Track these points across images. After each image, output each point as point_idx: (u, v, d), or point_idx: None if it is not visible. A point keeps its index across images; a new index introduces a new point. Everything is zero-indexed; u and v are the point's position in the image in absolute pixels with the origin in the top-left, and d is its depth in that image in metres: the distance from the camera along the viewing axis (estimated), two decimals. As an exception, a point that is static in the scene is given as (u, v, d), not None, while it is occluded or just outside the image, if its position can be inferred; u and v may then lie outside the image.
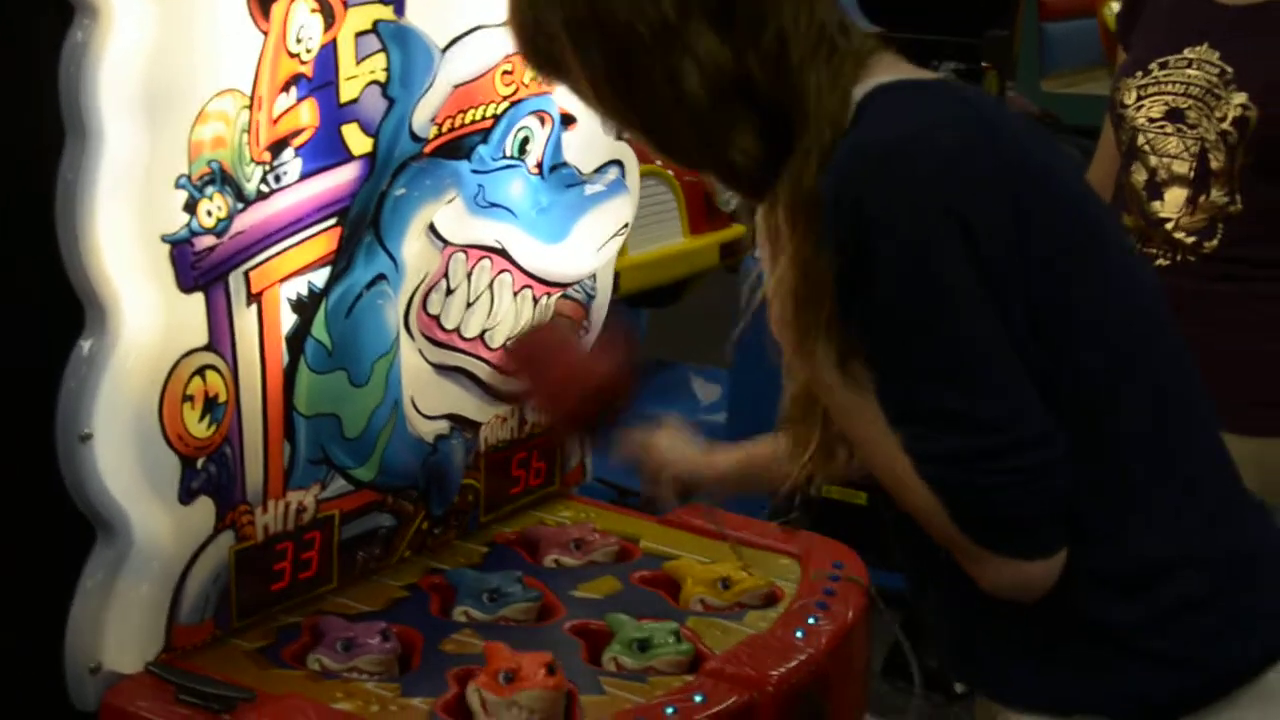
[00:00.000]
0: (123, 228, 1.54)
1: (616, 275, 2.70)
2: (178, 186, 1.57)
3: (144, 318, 1.57)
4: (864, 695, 1.96)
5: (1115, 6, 4.81)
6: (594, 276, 2.21)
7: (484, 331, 2.05)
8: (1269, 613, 1.29)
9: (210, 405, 1.66)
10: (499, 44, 1.94)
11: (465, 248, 1.98)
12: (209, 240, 1.62)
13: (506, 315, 2.07)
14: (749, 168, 1.28)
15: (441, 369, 2.00)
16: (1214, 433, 1.34)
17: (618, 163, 2.19)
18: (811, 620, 1.80)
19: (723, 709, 1.63)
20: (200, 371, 1.65)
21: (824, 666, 1.75)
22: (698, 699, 1.63)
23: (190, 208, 1.59)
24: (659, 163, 3.87)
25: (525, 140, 2.02)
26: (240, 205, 1.65)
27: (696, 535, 2.08)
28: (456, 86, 1.89)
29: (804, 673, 1.71)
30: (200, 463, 1.67)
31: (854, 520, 2.10)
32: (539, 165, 2.05)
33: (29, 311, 1.61)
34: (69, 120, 1.49)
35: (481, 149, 1.96)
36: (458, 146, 1.92)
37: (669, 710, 1.61)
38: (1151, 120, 2.07)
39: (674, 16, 1.23)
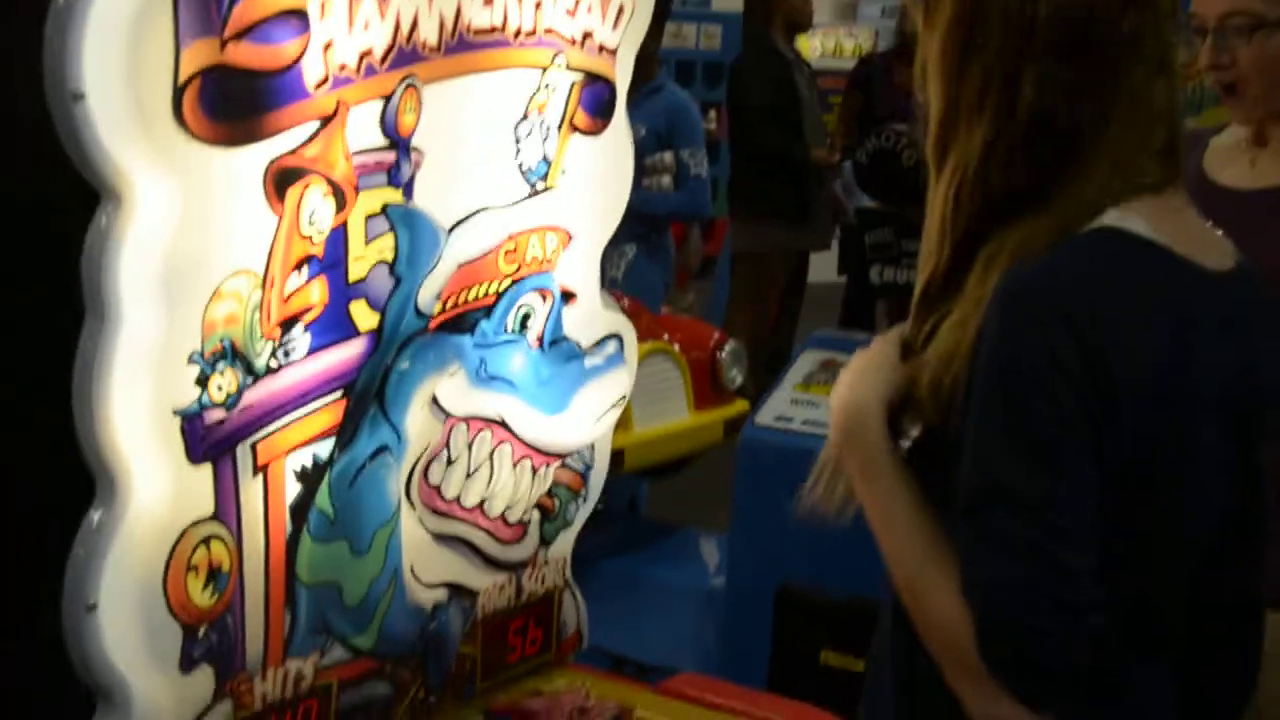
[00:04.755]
0: (136, 402, 1.58)
1: (621, 452, 2.76)
2: (190, 362, 1.63)
3: (153, 489, 1.62)
4: None
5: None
6: (592, 447, 2.26)
7: (483, 500, 2.09)
8: None
9: (214, 574, 1.70)
10: (502, 225, 2.02)
11: (467, 419, 2.03)
12: (219, 414, 1.67)
13: (505, 484, 2.12)
14: (995, 198, 1.30)
15: (441, 538, 2.04)
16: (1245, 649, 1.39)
17: (616, 336, 2.25)
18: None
19: None
20: (205, 541, 1.69)
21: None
22: None
23: (202, 382, 1.65)
24: (667, 338, 3.96)
25: (526, 316, 2.09)
26: (250, 379, 1.71)
27: (691, 705, 2.10)
28: (461, 265, 1.97)
29: None
30: (202, 631, 1.70)
31: (852, 689, 2.12)
32: (540, 339, 2.11)
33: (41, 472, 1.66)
34: (89, 300, 1.55)
35: (484, 324, 2.03)
36: (461, 322, 1.99)
37: None
38: None
39: (1036, 41, 1.26)
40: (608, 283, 2.30)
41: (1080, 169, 1.28)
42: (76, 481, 1.59)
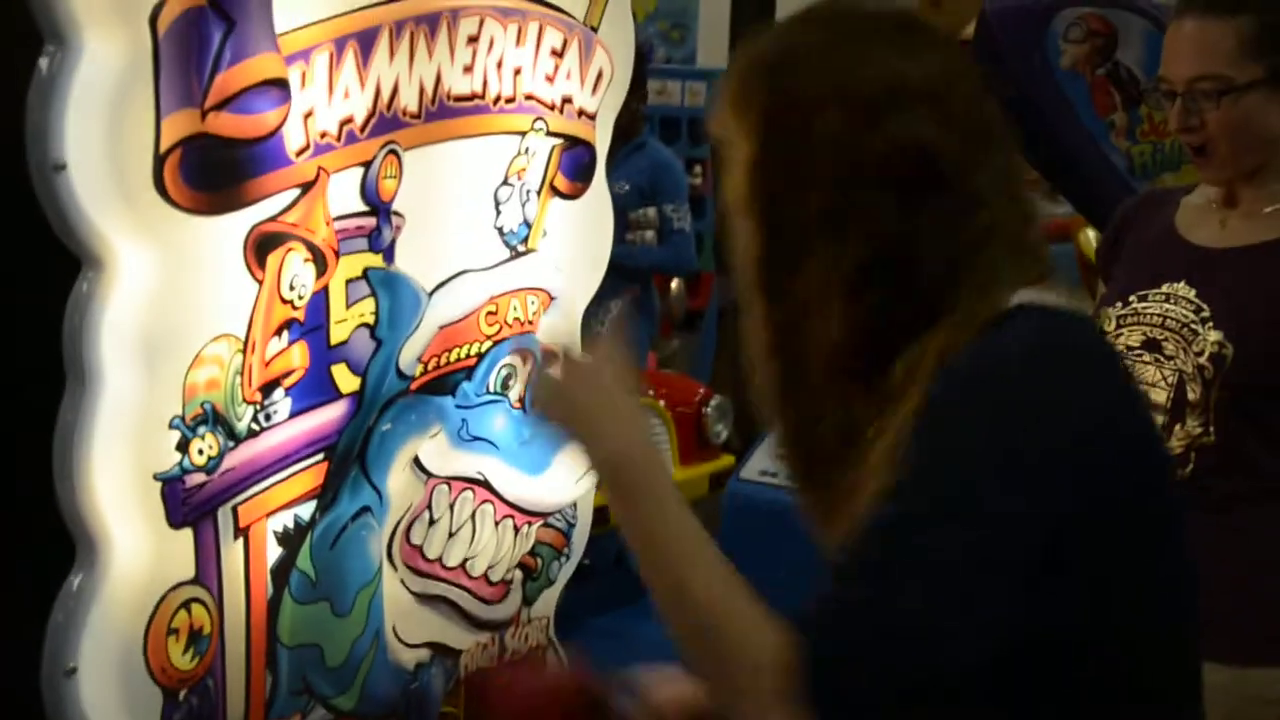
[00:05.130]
0: (116, 466, 1.60)
1: (606, 508, 2.76)
2: (171, 427, 1.64)
3: (133, 553, 1.63)
4: None
5: (1090, 233, 4.97)
6: (574, 506, 2.27)
7: (465, 560, 2.10)
8: None
9: (195, 637, 1.71)
10: (483, 287, 2.04)
11: (449, 479, 2.05)
12: (199, 478, 1.69)
13: (488, 544, 2.13)
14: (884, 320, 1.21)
15: (423, 598, 2.05)
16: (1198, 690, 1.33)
17: (598, 396, 2.27)
18: None
19: None
20: (186, 604, 1.69)
21: None
22: None
23: (183, 447, 1.66)
24: (652, 393, 3.97)
25: (508, 376, 2.11)
26: (231, 443, 1.72)
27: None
28: (442, 327, 1.99)
29: None
30: (182, 695, 1.70)
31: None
32: (521, 400, 2.13)
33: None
34: (70, 365, 1.56)
35: (465, 385, 2.04)
36: (443, 383, 2.01)
37: None
38: (1130, 349, 2.14)
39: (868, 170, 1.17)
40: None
41: (977, 259, 1.21)
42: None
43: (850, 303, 1.20)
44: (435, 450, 2.02)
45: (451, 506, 2.06)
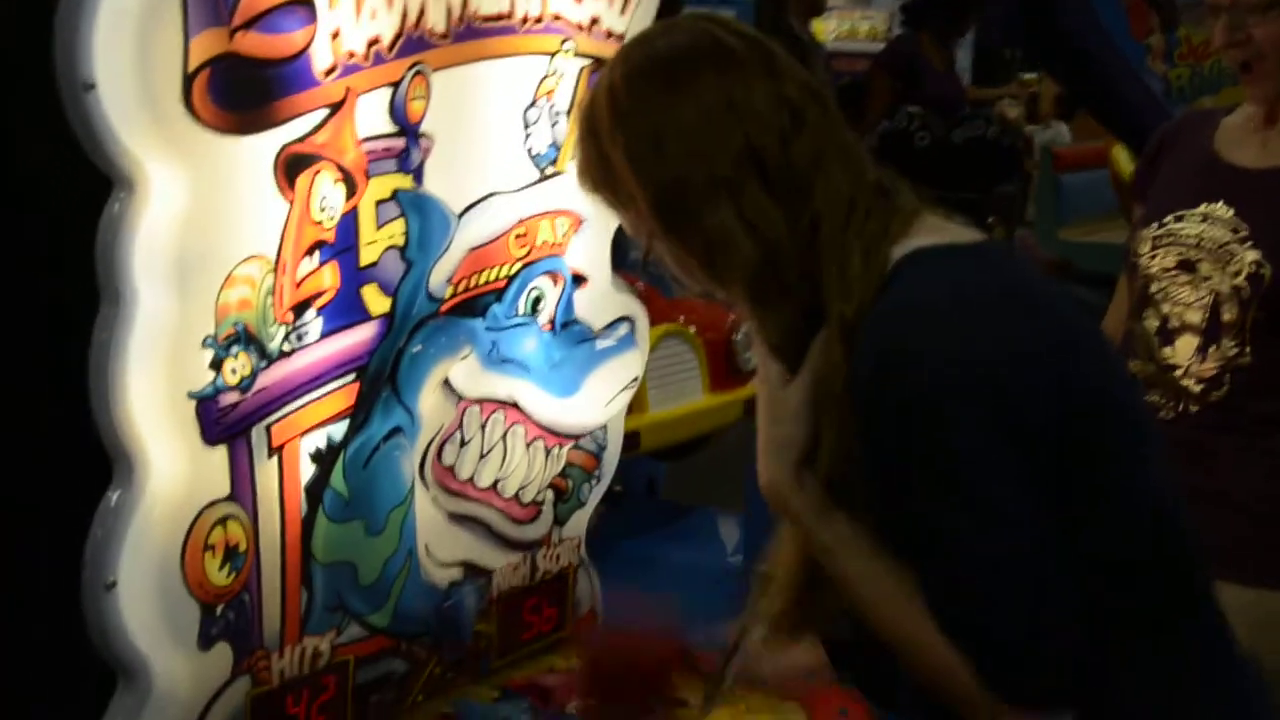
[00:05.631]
0: (151, 386, 1.62)
1: (637, 434, 2.78)
2: (204, 346, 1.66)
3: (169, 470, 1.65)
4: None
5: (1123, 152, 4.93)
6: (604, 428, 2.29)
7: (497, 481, 2.13)
8: None
9: (231, 554, 1.73)
10: (512, 209, 2.05)
11: (479, 401, 2.06)
12: (233, 396, 1.71)
13: (519, 465, 2.15)
14: (786, 326, 1.34)
15: (455, 517, 2.07)
16: (1212, 604, 1.38)
17: (628, 319, 2.28)
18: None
19: None
20: (222, 521, 1.72)
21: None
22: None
23: (216, 366, 1.68)
24: (682, 320, 3.98)
25: (538, 299, 2.11)
26: (263, 363, 1.74)
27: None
28: (472, 249, 2.00)
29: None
30: (219, 610, 1.73)
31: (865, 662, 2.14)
32: (551, 322, 2.14)
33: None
34: (104, 285, 1.58)
35: (496, 308, 2.05)
36: (473, 305, 2.02)
37: None
38: (1165, 270, 2.13)
39: (730, 172, 1.29)
40: (625, 265, 2.32)
41: (828, 247, 1.30)
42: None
43: (747, 236, 1.31)
44: (466, 372, 2.03)
45: (483, 428, 2.07)
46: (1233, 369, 2.08)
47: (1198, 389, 2.09)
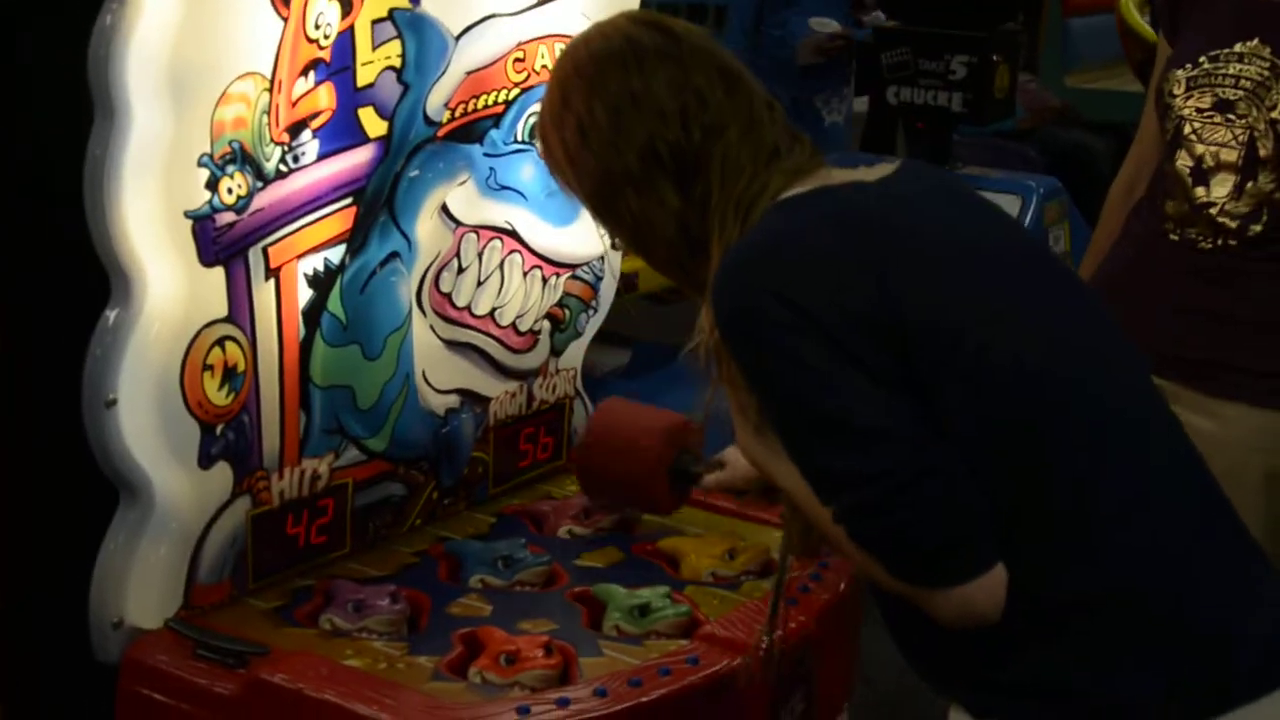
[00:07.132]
0: (147, 203, 1.61)
1: (635, 275, 2.77)
2: (200, 165, 1.65)
3: (167, 289, 1.65)
4: (853, 665, 2.03)
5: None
6: (602, 259, 2.28)
7: (494, 309, 2.13)
8: (1200, 648, 1.30)
9: (229, 374, 1.74)
10: (510, 32, 2.01)
11: (477, 228, 2.05)
12: (229, 217, 1.69)
13: (516, 294, 2.15)
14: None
15: (452, 345, 2.08)
16: (1166, 462, 1.36)
17: (626, 148, 2.25)
18: (804, 589, 1.87)
19: (715, 671, 1.69)
20: (220, 342, 1.72)
21: (815, 633, 1.82)
22: (691, 662, 1.70)
23: (212, 185, 1.67)
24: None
25: (536, 125, 2.09)
26: (260, 184, 1.72)
27: (695, 508, 2.14)
28: (469, 73, 1.97)
29: (795, 638, 1.77)
30: (219, 429, 1.75)
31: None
32: (549, 150, 2.11)
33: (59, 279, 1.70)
34: (97, 99, 1.56)
35: (493, 133, 2.03)
36: (470, 131, 2.00)
37: (663, 672, 1.68)
38: (1200, 110, 2.11)
39: (637, 163, 1.43)
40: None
41: (714, 210, 1.41)
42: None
43: (664, 219, 1.44)
44: (463, 198, 2.02)
45: (480, 255, 2.07)
46: (1269, 204, 2.07)
47: (1234, 225, 2.08)
